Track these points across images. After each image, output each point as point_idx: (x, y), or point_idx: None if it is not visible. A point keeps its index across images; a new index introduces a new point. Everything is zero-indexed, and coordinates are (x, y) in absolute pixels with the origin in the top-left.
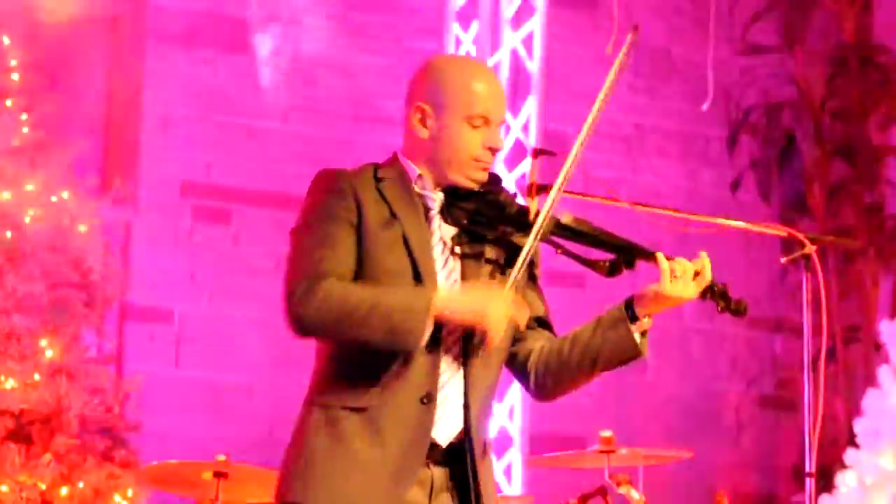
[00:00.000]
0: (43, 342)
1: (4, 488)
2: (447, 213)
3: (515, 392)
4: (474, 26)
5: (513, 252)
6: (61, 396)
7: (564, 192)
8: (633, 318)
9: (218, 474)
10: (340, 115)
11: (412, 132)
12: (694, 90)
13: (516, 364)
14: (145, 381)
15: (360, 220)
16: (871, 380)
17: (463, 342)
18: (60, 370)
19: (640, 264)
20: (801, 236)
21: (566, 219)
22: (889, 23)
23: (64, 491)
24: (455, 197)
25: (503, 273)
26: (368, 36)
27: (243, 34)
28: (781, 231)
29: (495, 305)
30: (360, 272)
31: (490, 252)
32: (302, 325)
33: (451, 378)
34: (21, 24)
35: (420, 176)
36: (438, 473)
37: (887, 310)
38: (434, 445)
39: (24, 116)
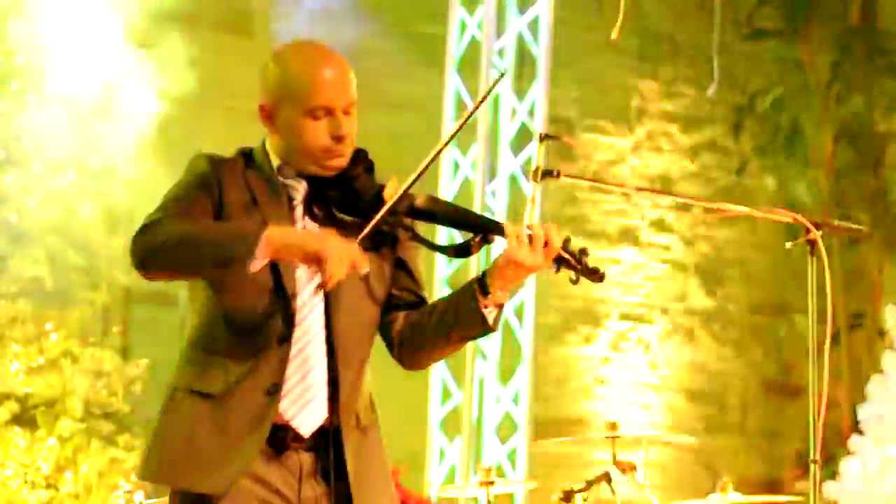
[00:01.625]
0: (48, 326)
1: (9, 471)
2: (309, 204)
3: (521, 378)
4: (480, 10)
5: (375, 236)
6: (66, 380)
7: (573, 177)
8: (486, 292)
9: None
10: None
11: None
12: (699, 75)
13: (384, 333)
14: (150, 365)
15: (221, 205)
16: (875, 366)
17: (326, 333)
18: (65, 354)
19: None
20: (806, 222)
21: (420, 201)
22: (894, 8)
23: (68, 474)
24: (317, 184)
25: (367, 256)
26: (375, 20)
27: (250, 18)
28: (786, 216)
29: (334, 245)
30: None
31: (352, 238)
32: (139, 257)
33: (313, 368)
34: (25, 5)
35: (280, 166)
36: (306, 458)
37: (892, 295)
38: (296, 433)
39: (29, 98)
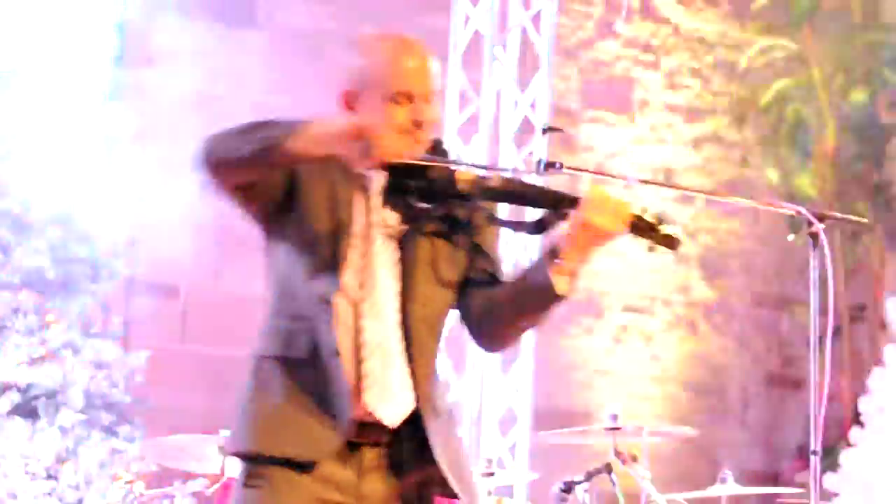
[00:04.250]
0: (49, 317)
1: (10, 462)
2: (387, 195)
3: (522, 369)
4: (483, 3)
5: (451, 223)
6: (67, 371)
7: (576, 169)
8: (556, 258)
9: (223, 449)
10: None
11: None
12: (703, 66)
13: (463, 316)
14: (151, 356)
15: (299, 191)
16: (876, 358)
17: (402, 323)
18: (66, 345)
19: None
20: (808, 214)
21: (495, 182)
22: None
23: (68, 465)
24: (395, 174)
25: (443, 244)
26: (378, 11)
27: (252, 8)
28: (789, 208)
29: (377, 122)
30: (291, 199)
31: (429, 226)
32: (202, 156)
33: (393, 360)
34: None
35: None
36: (368, 453)
37: (894, 288)
38: (378, 425)
39: (33, 90)
